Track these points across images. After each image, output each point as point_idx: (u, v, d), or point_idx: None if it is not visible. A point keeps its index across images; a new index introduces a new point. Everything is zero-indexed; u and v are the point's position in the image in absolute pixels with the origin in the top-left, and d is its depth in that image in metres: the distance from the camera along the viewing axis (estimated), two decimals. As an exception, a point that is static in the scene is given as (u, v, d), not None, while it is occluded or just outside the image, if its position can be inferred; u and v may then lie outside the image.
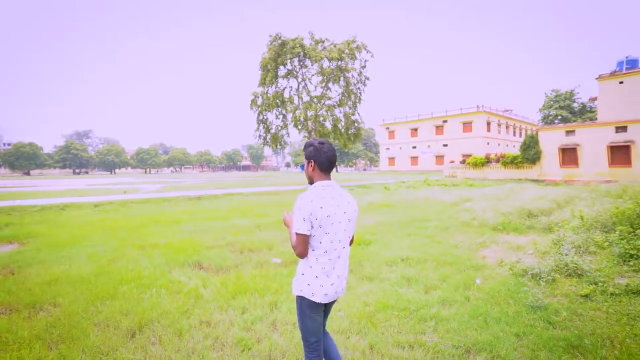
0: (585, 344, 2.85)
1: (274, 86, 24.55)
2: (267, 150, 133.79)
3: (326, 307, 2.17)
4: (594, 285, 3.87)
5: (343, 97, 25.02)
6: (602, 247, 5.22)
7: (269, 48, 24.24)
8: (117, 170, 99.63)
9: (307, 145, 2.12)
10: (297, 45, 22.27)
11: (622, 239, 4.69)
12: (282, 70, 24.36)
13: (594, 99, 24.41)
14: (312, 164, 2.07)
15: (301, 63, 23.67)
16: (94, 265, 5.40)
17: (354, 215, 2.09)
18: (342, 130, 24.92)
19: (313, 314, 2.04)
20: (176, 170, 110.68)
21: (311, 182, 2.11)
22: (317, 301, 1.99)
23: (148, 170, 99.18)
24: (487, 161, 28.93)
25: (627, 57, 21.95)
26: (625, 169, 21.22)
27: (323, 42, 24.75)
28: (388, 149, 64.60)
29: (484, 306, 3.69)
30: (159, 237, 7.53)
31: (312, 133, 24.71)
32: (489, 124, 53.06)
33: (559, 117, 41.42)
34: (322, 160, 2.05)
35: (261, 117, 25.74)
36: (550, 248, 5.49)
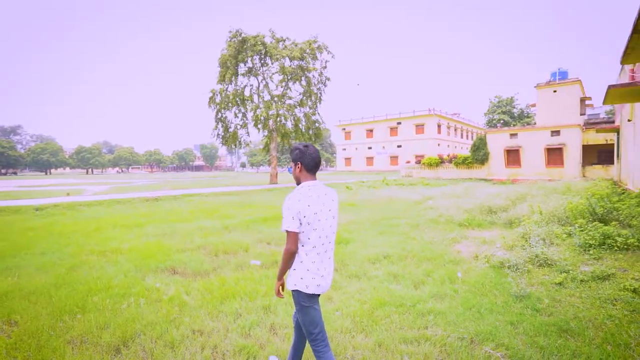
0: (572, 327, 3.08)
1: (233, 84, 23.81)
2: (222, 150, 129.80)
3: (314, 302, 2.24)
4: (565, 274, 4.21)
5: (304, 97, 24.97)
6: (562, 238, 5.72)
7: (228, 44, 23.43)
8: (52, 171, 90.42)
9: (293, 149, 2.25)
10: (259, 43, 21.77)
11: (582, 231, 5.18)
12: (242, 68, 23.71)
13: (533, 105, 26.91)
14: (299, 165, 2.21)
15: (262, 61, 23.19)
16: (49, 275, 4.81)
17: (337, 212, 2.26)
18: (303, 130, 24.86)
19: (311, 304, 2.15)
20: (122, 171, 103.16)
21: (298, 183, 2.23)
22: (312, 292, 2.11)
23: (90, 170, 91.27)
24: (440, 162, 30.60)
25: (559, 69, 24.54)
26: (559, 168, 23.66)
27: (284, 40, 24.51)
28: (344, 149, 65.80)
29: (474, 298, 3.84)
30: (121, 242, 6.92)
31: (274, 133, 24.35)
32: (439, 126, 56.03)
33: (501, 121, 45.11)
34: (307, 161, 2.20)
35: (220, 115, 24.83)
36: (517, 241, 5.89)
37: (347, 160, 65.66)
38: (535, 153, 24.39)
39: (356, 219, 9.70)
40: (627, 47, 5.30)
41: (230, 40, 22.60)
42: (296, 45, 23.98)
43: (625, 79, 12.67)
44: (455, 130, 62.38)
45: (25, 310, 3.66)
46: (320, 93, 26.00)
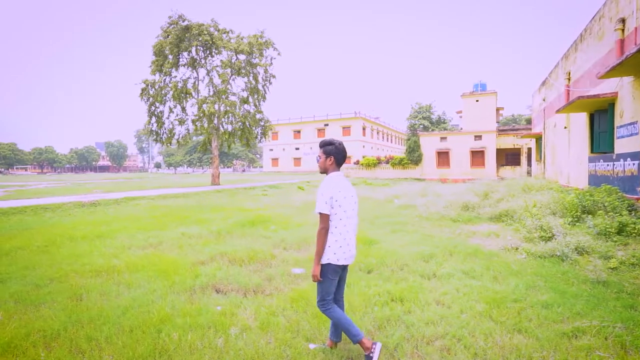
0: (674, 307, 3.42)
1: (172, 75, 21.41)
2: (131, 149, 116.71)
3: (342, 275, 2.73)
4: (612, 260, 4.69)
5: (251, 94, 23.82)
6: (567, 229, 6.44)
7: (165, 31, 20.96)
8: None
9: (328, 143, 2.62)
10: (205, 32, 19.93)
11: (602, 221, 5.88)
12: (182, 59, 21.46)
13: (460, 111, 30.25)
14: (332, 159, 2.61)
15: (208, 52, 21.30)
16: (59, 312, 3.57)
17: (357, 198, 2.71)
18: (251, 128, 23.69)
19: (334, 277, 2.58)
20: (2, 172, 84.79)
21: (324, 172, 2.66)
22: (342, 264, 2.55)
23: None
24: (378, 162, 32.28)
25: (480, 81, 28.12)
26: (481, 169, 27.05)
27: (227, 32, 23.00)
28: (271, 150, 65.11)
29: (561, 287, 4.02)
30: (106, 258, 5.59)
31: (219, 130, 22.67)
32: (364, 128, 59.02)
33: (421, 126, 49.63)
34: (340, 157, 2.63)
35: (153, 109, 22.12)
36: (532, 233, 6.43)
37: (274, 160, 65.08)
38: (462, 155, 27.48)
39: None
40: (619, 64, 6.20)
41: (169, 27, 20.25)
42: (242, 39, 22.73)
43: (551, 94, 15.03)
44: (377, 133, 66.54)
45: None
46: (265, 91, 25.12)
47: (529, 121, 51.18)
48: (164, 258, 5.51)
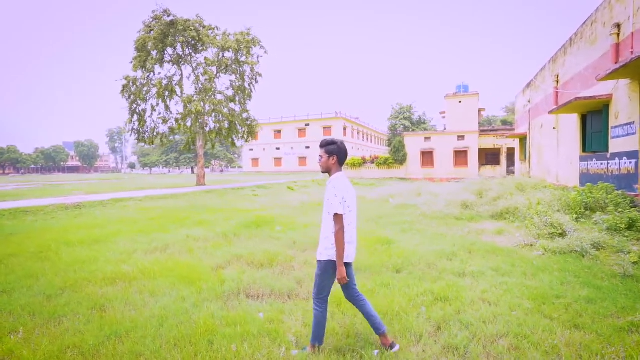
0: None
1: (156, 72, 20.57)
2: (103, 149, 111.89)
3: (349, 272, 2.72)
4: (630, 254, 4.86)
5: (237, 92, 23.30)
6: (574, 225, 6.65)
7: (148, 25, 20.10)
8: None
9: (330, 143, 2.64)
10: (191, 28, 19.26)
11: (610, 217, 6.08)
12: (166, 55, 20.65)
13: (443, 112, 30.93)
14: (334, 158, 2.63)
15: (194, 49, 20.60)
16: (98, 328, 3.26)
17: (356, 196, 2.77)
18: (239, 128, 23.17)
19: (335, 275, 2.60)
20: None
21: (326, 172, 2.68)
22: (347, 261, 2.61)
23: None
24: (363, 162, 32.49)
25: (463, 83, 28.87)
26: (464, 168, 27.78)
27: (213, 29, 22.39)
28: (251, 150, 64.28)
29: (594, 282, 4.10)
30: (114, 264, 5.22)
31: (205, 129, 22.04)
32: (345, 129, 59.27)
33: (402, 126, 50.48)
34: (342, 156, 2.66)
35: (135, 106, 21.20)
36: (542, 230, 6.59)
37: (255, 161, 64.32)
38: (446, 155, 28.12)
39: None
40: (622, 67, 6.46)
41: (153, 21, 19.43)
42: (228, 36, 22.20)
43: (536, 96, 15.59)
44: (358, 133, 67.04)
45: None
46: (251, 89, 24.68)
47: (504, 122, 53.15)
48: (179, 263, 5.21)
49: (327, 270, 2.59)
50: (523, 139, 18.24)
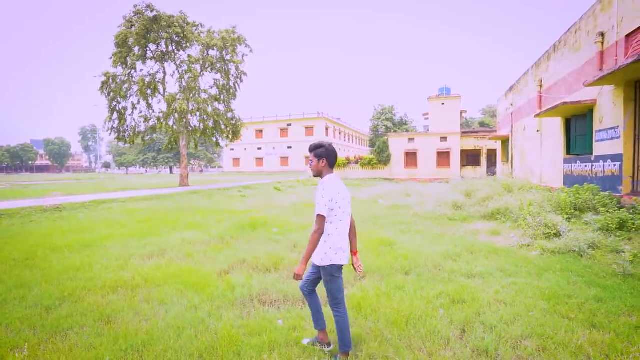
0: None
1: (137, 69, 19.83)
2: (75, 148, 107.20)
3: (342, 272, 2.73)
4: (625, 253, 5.07)
5: (221, 91, 22.85)
6: (566, 225, 6.89)
7: (128, 20, 19.35)
8: None
9: (318, 147, 2.68)
10: (175, 24, 18.68)
11: (602, 217, 6.34)
12: (149, 51, 19.95)
13: (427, 114, 31.50)
14: (324, 161, 2.67)
15: (178, 46, 20.00)
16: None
17: (350, 197, 2.78)
18: (223, 127, 22.72)
19: (339, 275, 2.67)
20: None
21: (318, 175, 2.72)
22: (343, 263, 2.63)
23: None
24: (347, 162, 32.62)
25: (445, 85, 29.53)
26: (446, 169, 28.41)
27: (198, 26, 21.86)
28: (232, 149, 63.36)
29: (599, 282, 4.24)
30: (114, 271, 4.97)
31: (189, 127, 21.46)
32: (327, 129, 59.34)
33: (384, 127, 51.06)
34: (331, 158, 2.69)
35: (114, 104, 20.39)
36: (537, 230, 6.79)
37: (236, 161, 63.52)
38: (429, 156, 28.66)
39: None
40: (610, 74, 6.75)
41: (135, 16, 18.73)
42: (213, 33, 21.74)
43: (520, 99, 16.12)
44: (340, 133, 67.27)
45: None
46: (236, 89, 24.29)
47: (481, 124, 54.77)
48: (181, 269, 5.02)
49: (331, 275, 2.62)
50: (505, 141, 18.85)
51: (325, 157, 2.66)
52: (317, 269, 2.77)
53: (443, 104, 28.51)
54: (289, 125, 60.01)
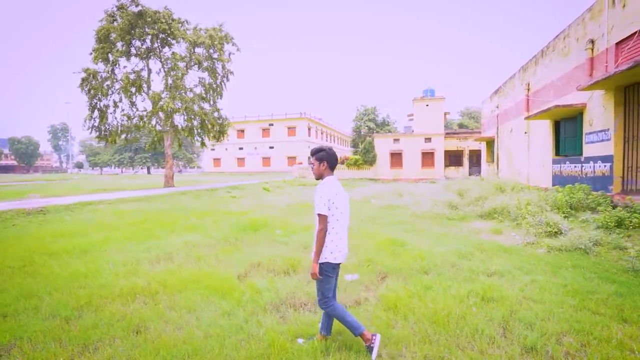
0: None
1: (120, 65, 19.04)
2: (44, 146, 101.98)
3: (337, 272, 2.82)
4: (628, 250, 5.33)
5: (207, 90, 22.33)
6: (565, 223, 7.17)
7: (110, 15, 18.56)
8: None
9: (318, 150, 2.80)
10: (162, 20, 18.06)
11: (601, 216, 6.63)
12: (133, 48, 19.20)
13: (411, 115, 32.02)
14: (325, 164, 2.79)
15: (164, 43, 19.35)
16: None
17: (348, 198, 2.90)
18: (210, 127, 22.20)
19: (332, 275, 2.74)
20: None
21: (319, 178, 2.83)
22: (338, 262, 2.70)
23: None
24: (333, 163, 32.67)
25: (429, 88, 30.15)
26: (431, 169, 29.01)
27: (183, 23, 21.26)
28: (213, 149, 62.16)
29: (614, 277, 4.43)
30: (125, 277, 4.74)
31: (179, 126, 20.86)
32: (309, 129, 59.20)
33: (367, 127, 51.58)
34: (332, 161, 2.81)
35: (96, 101, 19.52)
36: (536, 229, 7.03)
37: (216, 161, 62.33)
38: (414, 156, 29.17)
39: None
40: (604, 79, 7.08)
41: (119, 10, 17.98)
42: (199, 31, 21.22)
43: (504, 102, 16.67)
44: (322, 133, 67.27)
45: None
46: (222, 87, 23.83)
47: (460, 125, 56.34)
48: (197, 273, 4.84)
49: (324, 273, 2.69)
50: (490, 142, 19.45)
51: (326, 160, 2.78)
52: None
53: (427, 105, 29.12)
54: (271, 125, 59.38)
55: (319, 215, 2.62)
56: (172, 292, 4.17)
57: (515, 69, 14.73)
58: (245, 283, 4.48)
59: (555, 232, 6.62)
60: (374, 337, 2.71)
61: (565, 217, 7.67)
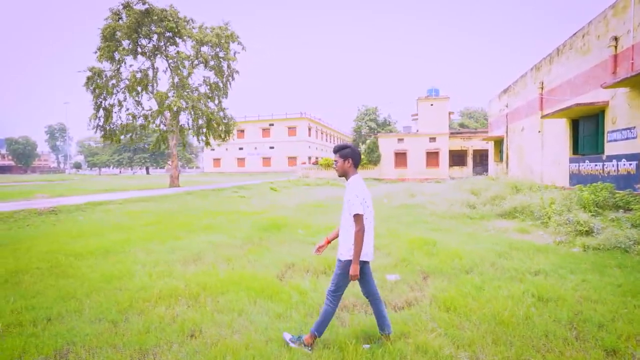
0: None
1: (126, 64, 18.83)
2: (42, 147, 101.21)
3: (367, 270, 2.83)
4: (670, 248, 5.24)
5: (212, 89, 22.15)
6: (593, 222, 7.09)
7: (115, 13, 18.35)
8: None
9: (343, 147, 2.79)
10: (169, 19, 17.88)
11: (636, 214, 6.55)
12: (140, 46, 18.99)
13: (415, 115, 31.98)
14: (349, 161, 2.78)
15: (171, 41, 19.15)
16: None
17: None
18: (216, 126, 22.02)
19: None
20: None
21: (343, 175, 2.82)
22: (365, 259, 2.72)
23: None
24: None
25: (433, 87, 30.12)
26: (435, 169, 28.96)
27: (188, 22, 21.08)
28: (213, 149, 61.82)
29: (662, 277, 4.35)
30: (151, 279, 4.60)
31: (184, 125, 20.68)
32: (310, 129, 59.02)
33: (368, 127, 51.47)
34: (357, 158, 2.81)
35: (101, 100, 19.31)
36: (565, 228, 6.94)
37: (216, 161, 62.02)
38: (418, 156, 29.12)
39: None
40: (634, 76, 7.01)
41: (124, 8, 17.78)
42: (205, 29, 21.06)
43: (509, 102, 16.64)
44: (322, 133, 67.15)
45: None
46: (228, 87, 23.66)
47: (461, 125, 56.41)
48: (238, 275, 4.69)
49: (345, 269, 2.70)
50: (499, 141, 19.41)
51: (350, 157, 2.76)
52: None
53: (432, 105, 29.08)
54: (271, 125, 59.07)
55: (356, 215, 2.58)
56: (214, 294, 4.03)
57: (515, 69, 14.78)
58: (289, 284, 4.35)
59: (587, 231, 6.53)
60: (314, 343, 2.80)
61: (592, 215, 7.58)
